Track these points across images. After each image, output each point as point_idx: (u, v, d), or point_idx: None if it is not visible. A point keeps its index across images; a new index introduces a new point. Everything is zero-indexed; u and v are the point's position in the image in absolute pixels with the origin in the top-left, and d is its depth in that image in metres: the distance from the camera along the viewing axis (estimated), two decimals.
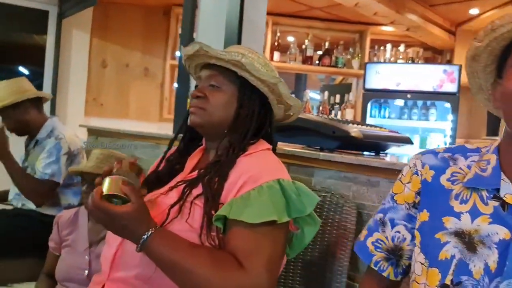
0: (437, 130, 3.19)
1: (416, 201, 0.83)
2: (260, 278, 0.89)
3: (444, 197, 0.77)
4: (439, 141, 3.19)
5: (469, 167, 0.78)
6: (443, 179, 0.80)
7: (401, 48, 4.00)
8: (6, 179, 1.98)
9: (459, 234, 0.72)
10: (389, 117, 3.36)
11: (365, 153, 1.68)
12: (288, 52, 4.23)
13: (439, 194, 0.78)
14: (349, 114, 3.87)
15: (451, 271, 0.71)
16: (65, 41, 3.81)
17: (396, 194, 0.87)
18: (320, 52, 4.26)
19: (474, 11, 3.53)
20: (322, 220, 1.25)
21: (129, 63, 4.08)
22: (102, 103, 4.01)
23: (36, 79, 3.72)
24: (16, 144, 2.12)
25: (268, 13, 2.38)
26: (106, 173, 0.95)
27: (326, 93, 4.04)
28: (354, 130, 1.49)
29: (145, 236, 0.89)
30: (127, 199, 0.90)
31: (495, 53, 0.74)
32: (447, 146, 0.88)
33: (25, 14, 3.75)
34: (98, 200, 0.89)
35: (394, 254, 0.85)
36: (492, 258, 0.68)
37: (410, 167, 0.86)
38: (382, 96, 3.28)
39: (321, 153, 1.43)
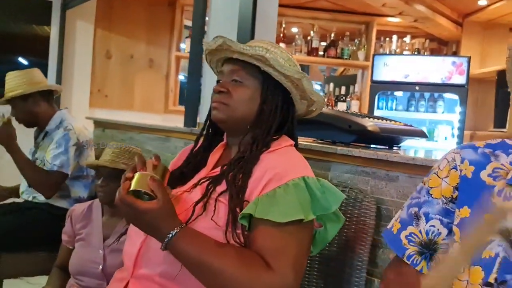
0: (445, 122, 3.19)
1: (454, 196, 0.81)
2: (287, 278, 0.89)
3: (485, 193, 0.76)
4: (446, 133, 3.18)
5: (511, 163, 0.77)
6: (483, 175, 0.78)
7: (407, 39, 3.98)
8: (19, 174, 1.97)
9: (503, 232, 0.72)
10: (396, 109, 3.35)
11: (371, 146, 1.67)
12: (293, 44, 4.20)
13: (480, 190, 0.77)
14: (354, 106, 3.86)
15: (495, 270, 0.70)
16: (69, 32, 3.77)
17: (432, 188, 0.86)
18: (325, 43, 4.23)
19: (482, 2, 3.50)
20: None
21: (134, 54, 4.04)
22: (106, 94, 3.98)
23: (42, 70, 3.67)
24: (26, 137, 2.10)
25: None
26: (131, 171, 0.94)
27: (331, 84, 4.02)
28: (371, 124, 1.48)
29: (170, 235, 0.89)
30: (153, 196, 0.89)
31: None
32: (487, 141, 0.86)
33: (29, 5, 3.71)
34: (124, 194, 0.88)
35: (428, 248, 0.84)
36: None
37: (448, 161, 0.85)
38: (390, 88, 3.26)
39: (338, 148, 1.41)
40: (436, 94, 3.25)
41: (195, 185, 1.04)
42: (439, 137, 3.18)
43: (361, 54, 4.03)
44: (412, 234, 0.85)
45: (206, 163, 1.12)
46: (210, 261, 0.88)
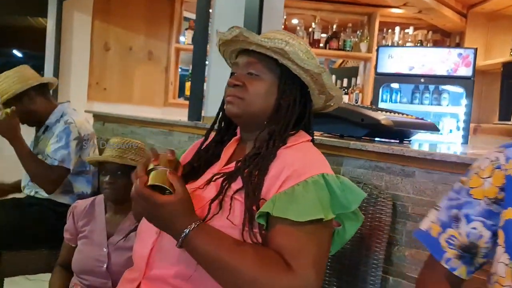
0: (450, 115, 3.15)
1: (499, 197, 0.77)
2: (309, 280, 0.85)
3: None
4: (451, 126, 3.15)
5: None
6: None
7: (410, 31, 3.93)
8: (19, 169, 1.91)
9: None
10: (400, 102, 3.31)
11: (381, 140, 1.63)
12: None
13: None
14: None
15: None
16: (66, 23, 3.68)
17: (472, 188, 0.81)
18: (327, 35, 4.17)
19: None
20: None
21: (133, 46, 3.96)
22: (105, 87, 3.90)
23: (37, 63, 3.63)
24: (26, 132, 2.04)
25: None
26: (144, 166, 0.89)
27: (333, 77, 3.97)
28: (384, 118, 1.44)
29: (187, 230, 0.84)
30: (171, 190, 0.85)
31: None
32: None
33: None
34: (142, 187, 0.84)
35: (469, 252, 0.81)
36: None
37: (491, 161, 0.80)
38: (395, 80, 3.22)
39: (351, 142, 1.38)
40: (440, 87, 3.21)
41: (208, 182, 0.99)
42: (444, 130, 3.14)
43: (363, 46, 3.98)
44: (452, 237, 0.81)
45: (218, 158, 1.07)
46: (228, 259, 0.84)
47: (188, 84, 4.15)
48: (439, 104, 3.21)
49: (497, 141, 3.05)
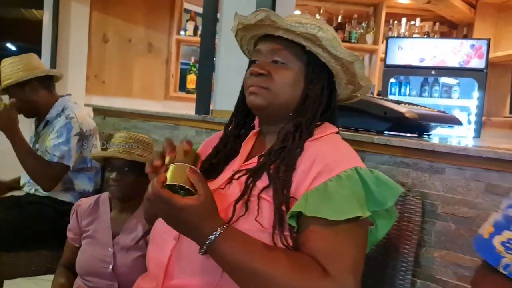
0: (461, 108, 3.07)
1: None
2: (347, 286, 0.77)
3: None
4: (462, 119, 3.07)
5: None
6: None
7: (417, 22, 3.85)
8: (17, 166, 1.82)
9: None
10: (409, 95, 3.22)
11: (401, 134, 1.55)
12: None
13: None
14: None
15: None
16: (63, 15, 3.57)
17: None
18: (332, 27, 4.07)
19: None
20: None
21: (132, 38, 3.86)
22: (104, 80, 3.81)
23: None
24: (25, 126, 1.95)
25: None
26: (160, 159, 0.81)
27: None
28: (408, 111, 1.36)
29: (212, 236, 0.76)
30: (192, 190, 0.76)
31: None
32: None
33: None
34: (160, 188, 0.74)
35: None
36: None
37: None
38: (405, 72, 3.13)
39: (376, 136, 1.30)
40: (451, 79, 3.13)
41: (230, 180, 0.91)
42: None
43: (369, 38, 3.90)
44: (511, 241, 0.73)
45: (236, 153, 0.99)
46: (259, 266, 0.76)
47: (190, 77, 4.06)
48: (449, 97, 3.13)
49: (511, 135, 2.98)
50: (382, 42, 3.80)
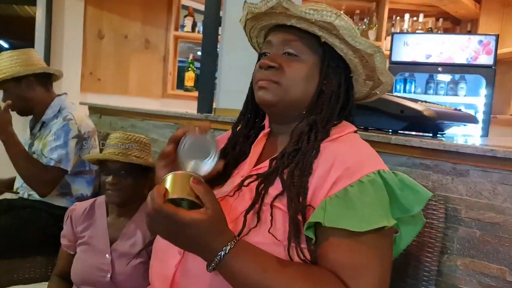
0: (467, 105, 3.00)
1: None
2: None
3: None
4: None
5: None
6: None
7: (420, 18, 3.78)
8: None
9: None
10: (414, 92, 3.15)
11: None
12: None
13: None
14: None
15: None
16: (57, 10, 3.47)
17: None
18: None
19: None
20: None
21: (128, 34, 3.77)
22: (99, 77, 3.72)
23: None
24: (21, 127, 1.86)
25: None
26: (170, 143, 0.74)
27: None
28: (425, 109, 1.28)
29: (222, 252, 0.68)
30: (199, 203, 0.67)
31: None
32: None
33: None
34: (162, 203, 0.65)
35: None
36: None
37: None
38: (410, 69, 3.05)
39: (393, 137, 1.22)
40: (457, 76, 3.05)
41: (239, 186, 0.82)
42: None
43: (371, 34, 3.82)
44: None
45: (245, 156, 0.91)
46: (273, 284, 0.68)
47: (188, 75, 3.98)
48: (456, 95, 3.05)
49: None
50: (385, 38, 3.72)
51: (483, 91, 2.93)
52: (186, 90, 3.97)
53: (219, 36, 1.86)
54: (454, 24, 3.98)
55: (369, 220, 0.72)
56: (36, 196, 1.77)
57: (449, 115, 1.38)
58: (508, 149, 1.05)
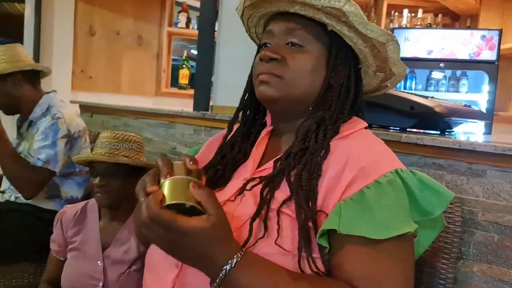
0: (469, 102, 2.94)
1: None
2: None
3: None
4: None
5: None
6: None
7: (419, 13, 3.73)
8: None
9: None
10: (415, 89, 3.09)
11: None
12: None
13: None
14: None
15: None
16: (47, 6, 3.39)
17: None
18: None
19: None
20: None
21: (120, 31, 3.69)
22: (90, 75, 3.64)
23: None
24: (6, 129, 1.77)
25: None
26: (153, 178, 0.64)
27: None
28: (437, 105, 1.22)
29: (228, 266, 0.60)
30: (200, 209, 0.60)
31: None
32: None
33: None
34: (158, 210, 0.58)
35: None
36: None
37: None
38: (412, 65, 2.99)
39: (404, 135, 1.15)
40: (458, 72, 3.00)
41: (241, 190, 0.74)
42: None
43: None
44: None
45: (246, 156, 0.83)
46: None
47: (182, 72, 3.92)
48: (457, 91, 3.00)
49: None
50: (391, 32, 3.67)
51: (486, 87, 2.88)
52: (181, 88, 3.91)
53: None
54: (453, 19, 3.94)
55: (390, 226, 0.65)
56: (23, 199, 1.70)
57: (460, 112, 1.32)
58: None
